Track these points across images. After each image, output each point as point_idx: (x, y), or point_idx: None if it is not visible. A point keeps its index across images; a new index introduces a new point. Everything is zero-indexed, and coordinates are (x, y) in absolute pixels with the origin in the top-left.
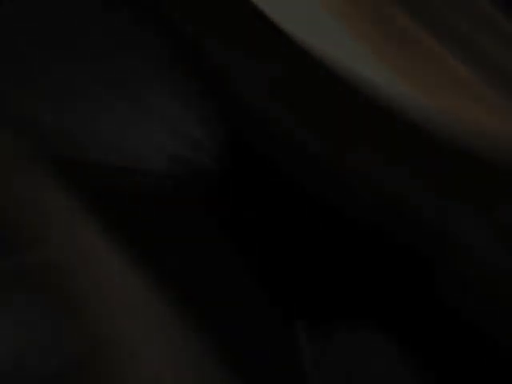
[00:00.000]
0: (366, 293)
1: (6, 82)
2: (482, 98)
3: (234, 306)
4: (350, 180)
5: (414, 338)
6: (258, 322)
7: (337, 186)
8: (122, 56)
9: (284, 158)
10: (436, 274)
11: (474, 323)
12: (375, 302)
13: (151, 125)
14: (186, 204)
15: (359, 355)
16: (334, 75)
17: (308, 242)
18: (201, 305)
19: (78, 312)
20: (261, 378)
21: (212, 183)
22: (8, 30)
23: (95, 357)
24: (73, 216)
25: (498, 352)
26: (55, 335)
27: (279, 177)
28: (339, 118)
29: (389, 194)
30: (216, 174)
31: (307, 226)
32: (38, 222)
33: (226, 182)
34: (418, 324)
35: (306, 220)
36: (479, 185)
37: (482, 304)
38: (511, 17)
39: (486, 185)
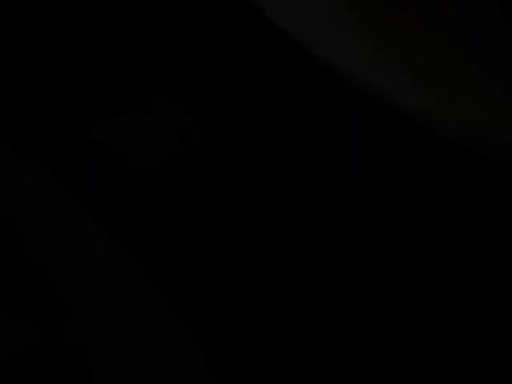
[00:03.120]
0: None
1: (8, 83)
2: (482, 98)
3: (236, 316)
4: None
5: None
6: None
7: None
8: (121, 55)
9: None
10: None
11: None
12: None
13: (148, 123)
14: (182, 200)
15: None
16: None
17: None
18: (202, 309)
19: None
20: None
21: (207, 180)
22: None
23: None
24: (71, 215)
25: None
26: (52, 335)
27: (277, 175)
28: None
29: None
30: (212, 170)
31: (304, 227)
32: (37, 221)
33: (223, 180)
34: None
35: (304, 219)
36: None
37: None
38: (511, 17)
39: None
